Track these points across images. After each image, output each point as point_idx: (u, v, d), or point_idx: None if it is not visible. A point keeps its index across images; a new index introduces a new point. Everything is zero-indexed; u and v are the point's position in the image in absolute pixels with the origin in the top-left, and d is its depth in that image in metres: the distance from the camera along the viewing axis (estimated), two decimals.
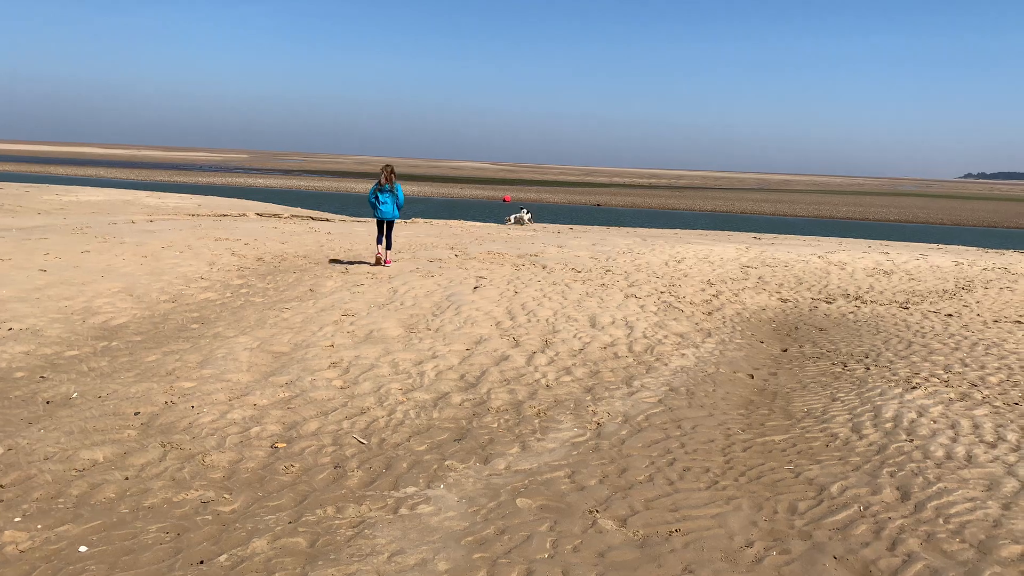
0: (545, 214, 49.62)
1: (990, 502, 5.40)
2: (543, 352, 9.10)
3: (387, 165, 13.69)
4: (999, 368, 8.82)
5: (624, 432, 6.78)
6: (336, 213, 29.45)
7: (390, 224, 13.73)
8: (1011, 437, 6.64)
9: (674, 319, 11.09)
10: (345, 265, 14.00)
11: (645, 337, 10.01)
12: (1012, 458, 6.17)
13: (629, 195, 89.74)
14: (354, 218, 26.45)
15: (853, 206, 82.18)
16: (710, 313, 11.79)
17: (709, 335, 10.45)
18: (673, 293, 12.85)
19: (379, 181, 13.41)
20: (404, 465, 5.93)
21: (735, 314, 11.96)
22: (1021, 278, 14.98)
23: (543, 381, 8.13)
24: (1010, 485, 5.67)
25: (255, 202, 33.51)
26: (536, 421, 6.99)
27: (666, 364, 8.95)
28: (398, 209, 13.47)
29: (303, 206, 36.73)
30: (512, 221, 26.51)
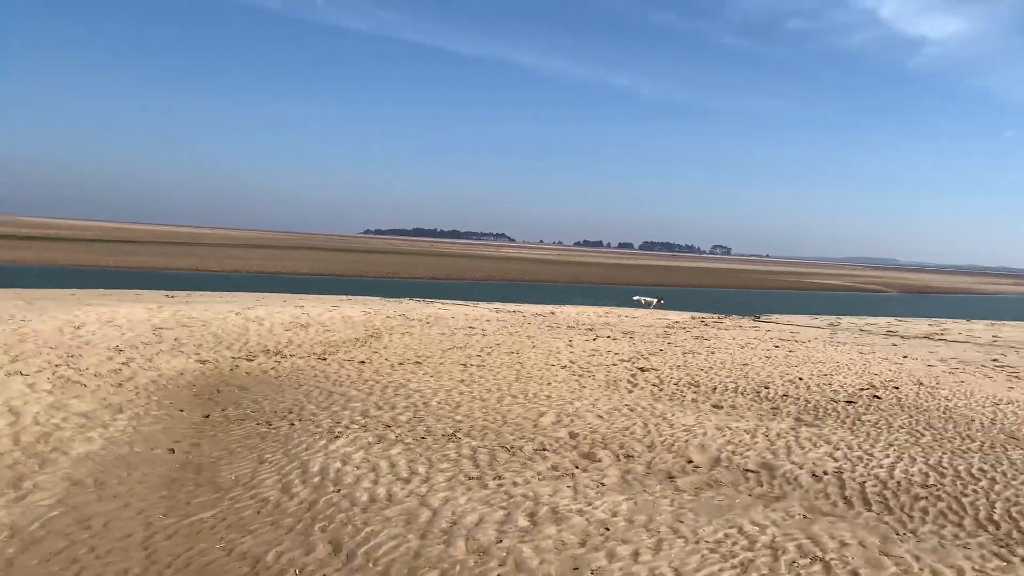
0: None
1: (410, 535, 5.81)
2: None
3: None
4: (407, 407, 9.82)
5: (12, 550, 5.41)
6: None
7: None
8: (421, 470, 7.35)
9: (75, 396, 9.53)
10: None
11: (37, 423, 8.32)
12: (423, 489, 6.81)
13: None
14: None
15: (265, 260, 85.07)
16: (120, 384, 10.50)
17: (120, 410, 9.25)
18: (72, 366, 11.10)
19: None
20: None
21: (150, 382, 10.90)
22: (418, 323, 17.28)
23: None
24: (424, 515, 6.21)
25: None
26: None
27: (66, 453, 7.56)
28: None
29: None
30: None
